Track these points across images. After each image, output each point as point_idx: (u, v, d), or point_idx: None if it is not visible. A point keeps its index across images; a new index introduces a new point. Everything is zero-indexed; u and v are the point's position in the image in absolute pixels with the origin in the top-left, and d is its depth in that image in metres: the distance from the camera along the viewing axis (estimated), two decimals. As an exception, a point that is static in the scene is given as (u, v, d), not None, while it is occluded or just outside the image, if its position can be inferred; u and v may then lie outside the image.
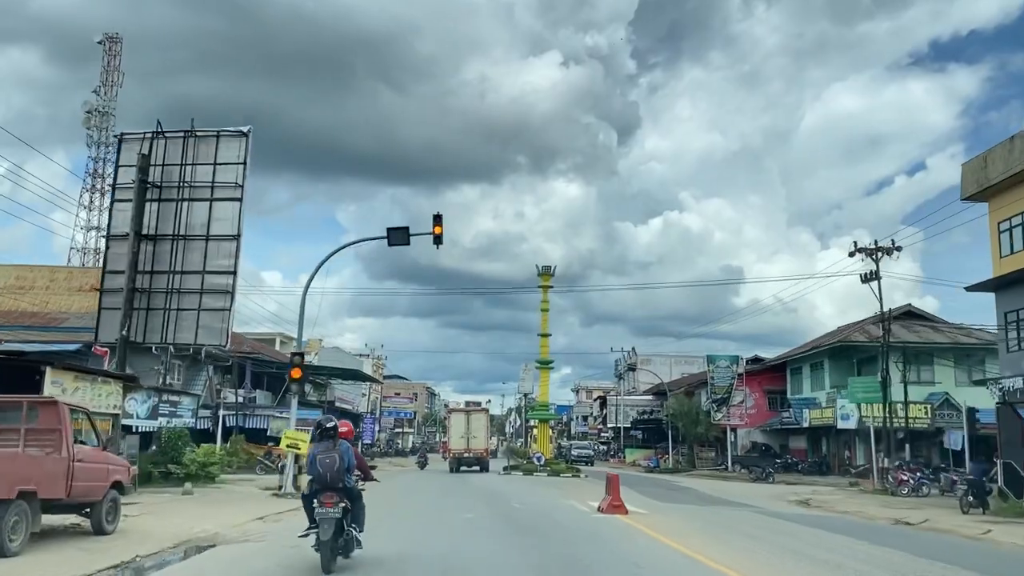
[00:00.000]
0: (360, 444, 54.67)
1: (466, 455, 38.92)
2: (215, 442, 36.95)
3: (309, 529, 9.15)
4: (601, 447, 75.17)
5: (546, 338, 38.71)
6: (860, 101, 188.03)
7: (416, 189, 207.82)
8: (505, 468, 37.75)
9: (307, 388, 61.64)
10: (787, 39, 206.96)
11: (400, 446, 76.10)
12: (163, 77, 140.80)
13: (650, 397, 72.59)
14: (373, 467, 13.63)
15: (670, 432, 51.86)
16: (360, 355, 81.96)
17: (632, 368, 55.47)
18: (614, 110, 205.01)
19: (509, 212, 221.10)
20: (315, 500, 9.05)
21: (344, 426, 10.04)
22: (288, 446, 19.73)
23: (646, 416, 71.00)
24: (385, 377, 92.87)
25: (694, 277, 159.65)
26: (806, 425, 43.54)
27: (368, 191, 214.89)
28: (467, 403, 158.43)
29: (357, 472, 9.80)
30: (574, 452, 56.96)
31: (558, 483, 29.52)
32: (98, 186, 70.43)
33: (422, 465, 45.02)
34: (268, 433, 40.16)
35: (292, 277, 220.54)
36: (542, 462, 35.56)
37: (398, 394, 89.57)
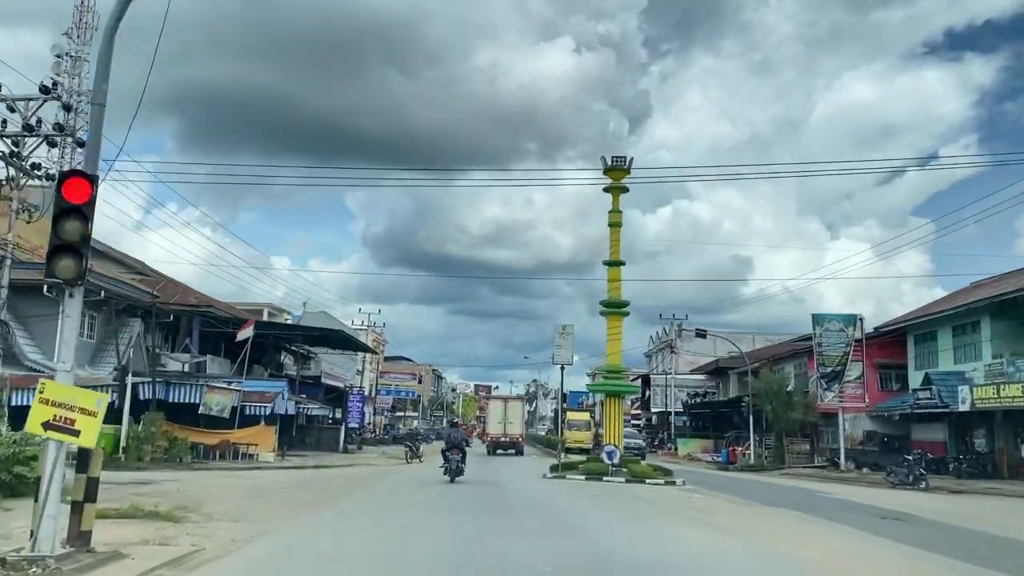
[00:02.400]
0: (344, 427, 42.44)
1: (503, 439, 42.51)
2: (122, 421, 24.98)
3: (444, 464, 20.64)
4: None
5: (617, 268, 26.04)
6: (873, 90, 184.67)
7: (425, 175, 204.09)
8: (554, 469, 24.86)
9: (283, 358, 49.44)
10: (800, 27, 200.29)
11: (400, 432, 63.51)
12: (174, 60, 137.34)
13: (702, 377, 60.25)
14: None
15: (751, 418, 39.53)
16: (358, 329, 69.91)
17: (702, 334, 42.81)
18: (625, 98, 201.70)
19: (518, 199, 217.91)
20: (447, 452, 20.68)
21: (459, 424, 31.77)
22: (48, 426, 7.22)
23: (698, 399, 58.72)
24: (387, 358, 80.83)
25: (703, 266, 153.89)
26: (964, 408, 30.96)
27: (377, 176, 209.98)
28: (476, 386, 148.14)
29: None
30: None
31: (669, 501, 17.05)
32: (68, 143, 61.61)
33: (410, 457, 33.15)
34: (200, 410, 27.97)
35: (301, 262, 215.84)
36: (616, 460, 22.78)
37: (411, 374, 76.39)
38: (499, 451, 41.70)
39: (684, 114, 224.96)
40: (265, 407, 29.98)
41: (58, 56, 66.80)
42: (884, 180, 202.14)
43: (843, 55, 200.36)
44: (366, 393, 52.53)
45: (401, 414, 73.49)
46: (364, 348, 48.98)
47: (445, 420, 78.88)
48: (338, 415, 46.68)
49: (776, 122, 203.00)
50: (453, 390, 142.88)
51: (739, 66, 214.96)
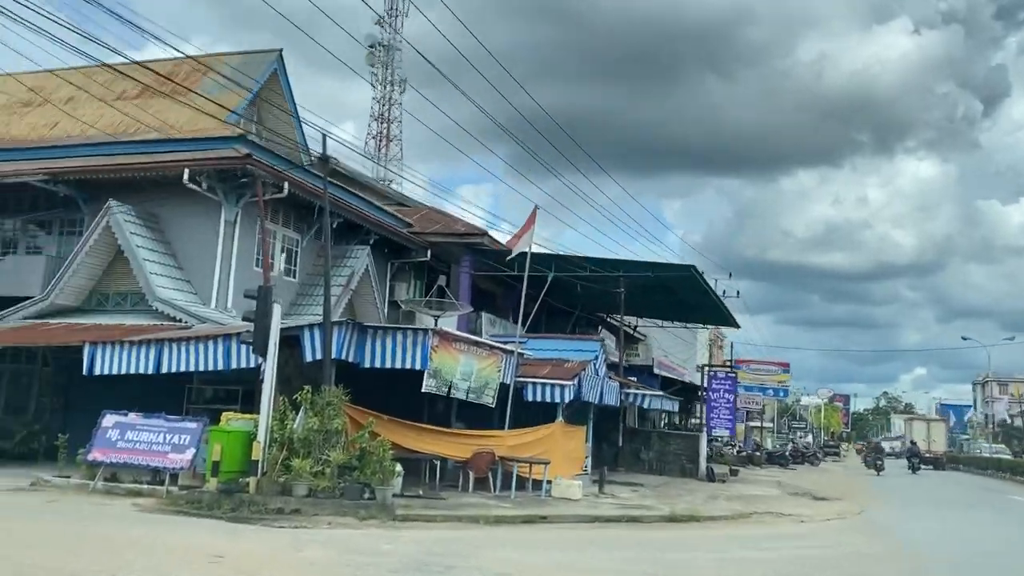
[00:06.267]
0: (705, 435, 25.48)
1: (927, 455, 45.67)
2: (260, 410, 11.27)
3: (908, 465, 36.15)
4: None
5: None
6: None
7: (745, 179, 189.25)
8: None
9: (601, 332, 34.59)
10: None
11: (763, 446, 44.87)
12: (503, 88, 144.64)
13: None
14: None
15: None
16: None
17: None
18: (976, 77, 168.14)
19: (850, 197, 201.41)
20: (911, 459, 37.67)
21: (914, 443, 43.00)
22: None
23: None
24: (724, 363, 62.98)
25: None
26: None
27: (694, 184, 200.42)
28: (833, 395, 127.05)
29: None
30: None
31: None
32: (384, 132, 56.41)
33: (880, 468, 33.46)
34: (425, 387, 13.37)
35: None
36: None
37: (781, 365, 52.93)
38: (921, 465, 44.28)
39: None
40: (564, 387, 14.78)
41: (371, 47, 58.57)
42: None
43: None
44: (728, 386, 35.04)
45: (756, 424, 54.89)
46: (727, 317, 31.94)
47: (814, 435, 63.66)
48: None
49: None
50: (798, 401, 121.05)
51: None
